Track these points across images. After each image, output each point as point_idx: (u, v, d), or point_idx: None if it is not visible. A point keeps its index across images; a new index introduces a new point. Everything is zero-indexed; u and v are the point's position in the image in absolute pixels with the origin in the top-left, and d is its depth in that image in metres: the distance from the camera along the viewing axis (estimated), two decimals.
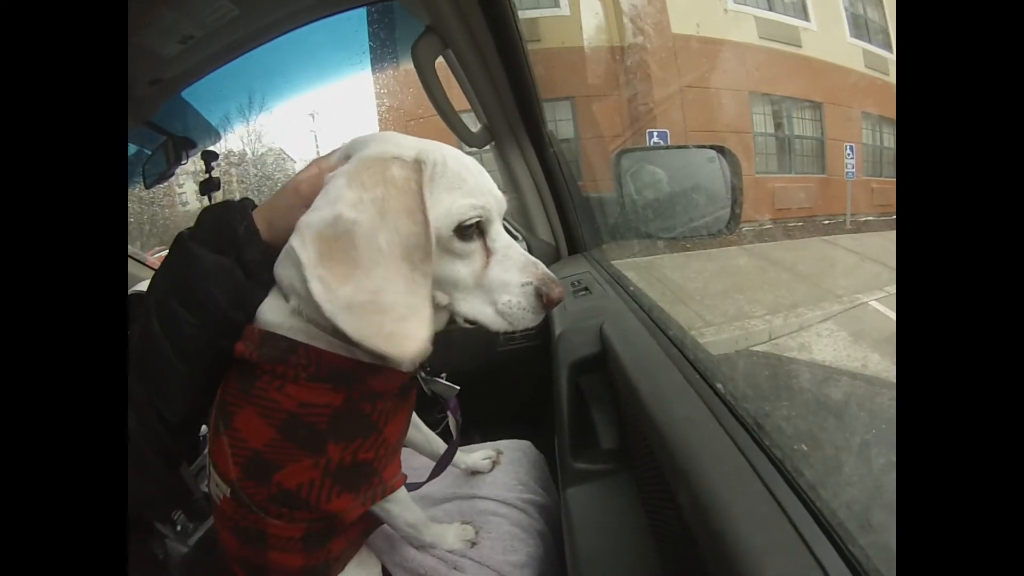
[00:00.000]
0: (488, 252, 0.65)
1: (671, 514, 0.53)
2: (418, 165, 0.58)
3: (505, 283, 0.64)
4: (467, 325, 0.66)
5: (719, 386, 0.59)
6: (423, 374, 0.75)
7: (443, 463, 0.87)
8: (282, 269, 0.65)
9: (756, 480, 0.44)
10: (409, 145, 0.61)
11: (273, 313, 0.65)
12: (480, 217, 0.63)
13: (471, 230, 0.63)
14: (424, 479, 0.88)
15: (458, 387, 0.78)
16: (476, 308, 0.65)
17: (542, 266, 0.67)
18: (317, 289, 0.53)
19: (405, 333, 0.55)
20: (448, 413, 0.86)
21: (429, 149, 0.61)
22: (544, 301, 0.65)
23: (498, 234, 0.66)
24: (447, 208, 0.60)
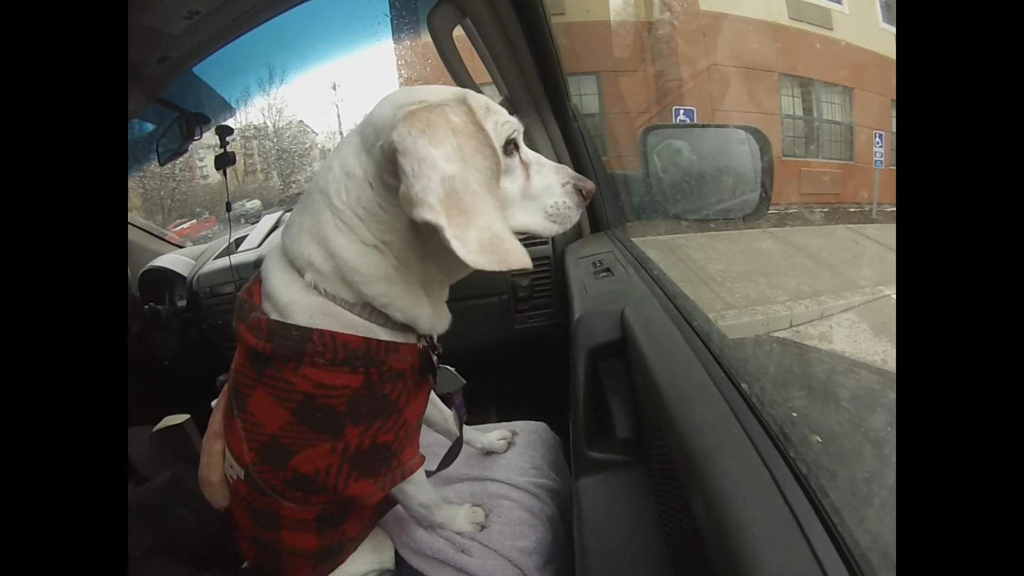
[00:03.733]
0: (524, 165, 0.68)
1: (684, 518, 0.51)
2: (466, 105, 0.60)
3: (549, 187, 0.69)
4: None
5: (744, 386, 0.56)
6: (435, 356, 0.74)
7: (449, 458, 0.86)
8: (296, 245, 0.64)
9: (777, 495, 0.42)
10: (434, 91, 0.62)
11: (286, 288, 0.64)
12: (517, 130, 0.66)
13: (510, 146, 0.66)
14: (435, 459, 0.87)
15: (464, 381, 0.76)
16: (526, 219, 0.68)
17: (565, 166, 0.72)
18: (457, 247, 0.53)
19: (520, 248, 0.57)
20: (453, 409, 0.85)
21: (455, 90, 0.63)
22: (584, 194, 0.70)
23: (523, 148, 0.69)
24: (494, 129, 0.62)
